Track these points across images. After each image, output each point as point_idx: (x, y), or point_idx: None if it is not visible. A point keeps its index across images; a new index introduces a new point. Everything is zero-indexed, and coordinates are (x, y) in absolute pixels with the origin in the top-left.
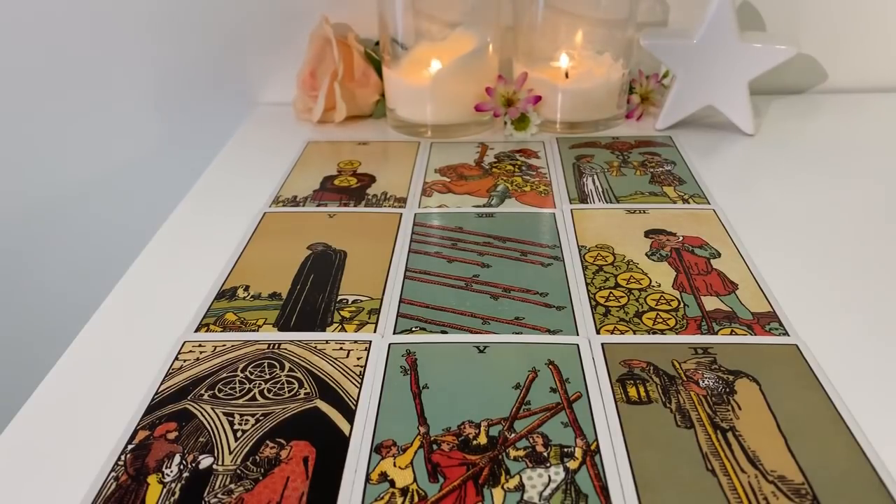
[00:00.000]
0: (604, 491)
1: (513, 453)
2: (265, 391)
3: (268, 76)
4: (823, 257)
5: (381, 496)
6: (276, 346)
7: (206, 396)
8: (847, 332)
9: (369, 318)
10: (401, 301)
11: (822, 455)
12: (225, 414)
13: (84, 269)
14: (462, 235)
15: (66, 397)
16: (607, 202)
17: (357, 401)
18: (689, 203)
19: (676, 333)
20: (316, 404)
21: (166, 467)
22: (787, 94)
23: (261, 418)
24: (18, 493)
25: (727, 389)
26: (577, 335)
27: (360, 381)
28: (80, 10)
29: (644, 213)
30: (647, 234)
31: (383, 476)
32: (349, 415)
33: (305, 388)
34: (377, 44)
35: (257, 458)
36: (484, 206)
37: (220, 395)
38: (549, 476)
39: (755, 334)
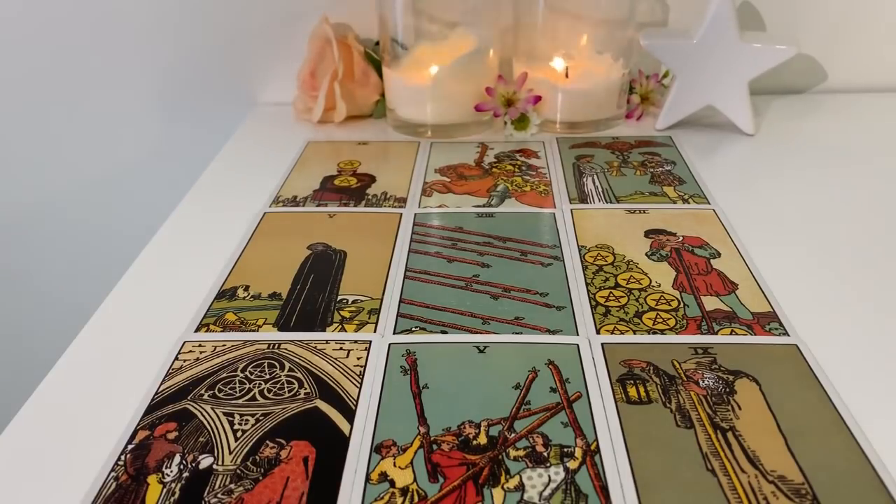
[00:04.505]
0: (604, 491)
1: (513, 453)
2: (265, 391)
3: (268, 76)
4: (823, 257)
5: (381, 496)
6: (276, 346)
7: (206, 396)
8: (847, 332)
9: (369, 318)
10: (401, 301)
11: (822, 455)
12: (225, 414)
13: (84, 270)
14: (462, 235)
15: (66, 397)
16: (607, 202)
17: (357, 401)
18: (689, 203)
19: (676, 333)
20: (316, 404)
21: (166, 467)
22: (787, 94)
23: (261, 418)
24: (18, 493)
25: (727, 389)
26: (577, 335)
27: (360, 381)
28: (80, 11)
29: (644, 213)
30: (647, 234)
31: (383, 476)
32: (349, 415)
33: (305, 388)
34: (377, 44)
35: (257, 458)
36: (484, 206)
37: (220, 395)
38: (549, 476)
39: (755, 334)
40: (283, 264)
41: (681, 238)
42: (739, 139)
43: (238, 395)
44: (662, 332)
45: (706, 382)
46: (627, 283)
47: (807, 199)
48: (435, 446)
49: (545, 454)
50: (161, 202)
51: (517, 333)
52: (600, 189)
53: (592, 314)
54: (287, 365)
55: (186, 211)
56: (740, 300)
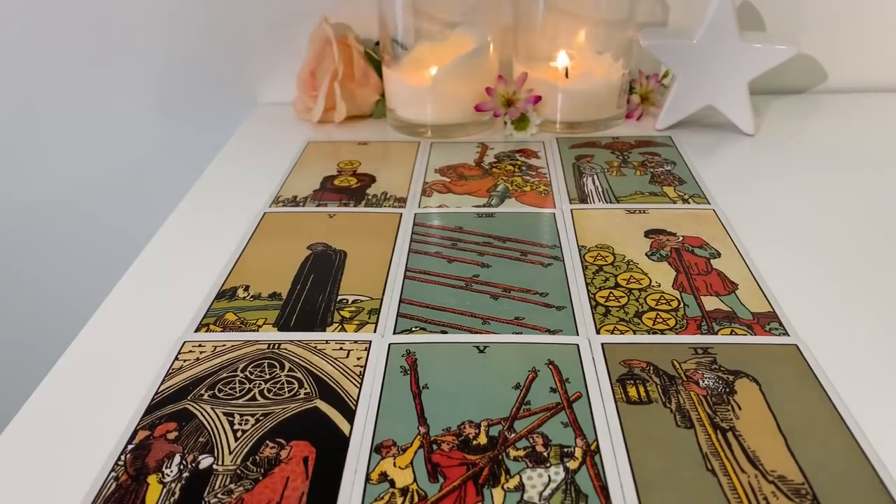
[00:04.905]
0: (604, 491)
1: (513, 453)
2: (265, 391)
3: (268, 76)
4: (823, 257)
5: (381, 496)
6: (276, 346)
7: (206, 396)
8: (847, 332)
9: (369, 318)
10: (401, 301)
11: (822, 455)
12: (225, 414)
13: (84, 269)
14: (462, 235)
15: (66, 397)
16: (607, 202)
17: (357, 401)
18: (689, 203)
19: (676, 333)
20: (316, 404)
21: (166, 467)
22: (787, 94)
23: (261, 418)
24: (18, 493)
25: (727, 389)
26: (577, 335)
27: (360, 381)
28: (80, 10)
29: (644, 213)
30: (647, 234)
31: (383, 476)
32: (349, 415)
33: (305, 388)
34: (377, 44)
35: (257, 458)
36: (484, 206)
37: (220, 395)
38: (549, 476)
39: (755, 334)
40: (283, 264)
41: (681, 238)
42: (739, 139)
43: (238, 395)
44: (662, 332)
45: (706, 382)
46: (627, 283)
47: (807, 198)
48: (435, 446)
49: (545, 454)
50: (161, 202)
51: (517, 333)
52: (600, 189)
53: (592, 314)
54: (287, 365)
55: (186, 211)
56: (740, 300)
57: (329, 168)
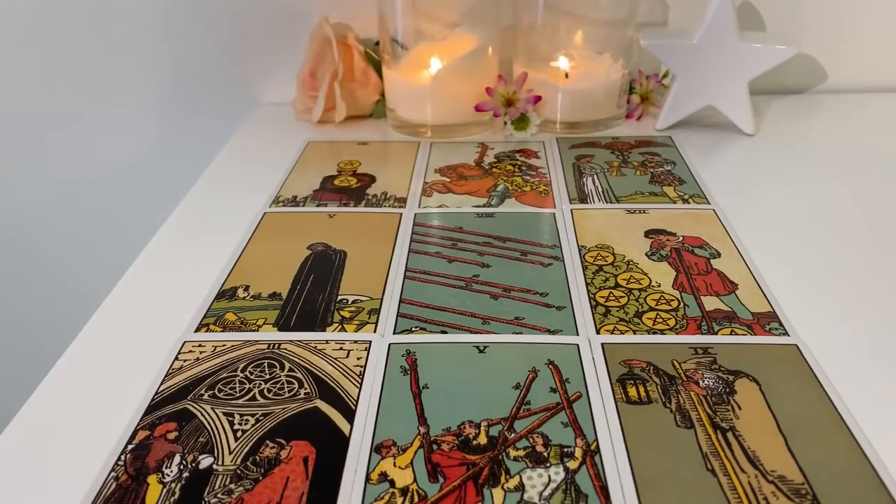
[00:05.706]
0: (604, 491)
1: (513, 453)
2: (265, 391)
3: (268, 76)
4: (823, 257)
5: (381, 496)
6: (276, 346)
7: (206, 396)
8: (847, 332)
9: (369, 318)
10: (401, 301)
11: (822, 455)
12: (225, 414)
13: (84, 269)
14: (462, 235)
15: (66, 397)
16: (607, 202)
17: (357, 401)
18: (689, 203)
19: (676, 333)
20: (316, 404)
21: (166, 467)
22: (787, 94)
23: (261, 418)
24: (18, 493)
25: (727, 389)
26: (577, 335)
27: (360, 381)
28: (80, 10)
29: (644, 213)
30: (647, 234)
31: (383, 476)
32: (349, 415)
33: (305, 388)
34: (377, 44)
35: (257, 458)
36: (484, 206)
37: (220, 395)
38: (549, 476)
39: (755, 334)
40: (283, 264)
41: (681, 238)
42: (739, 139)
43: (238, 395)
44: (662, 332)
45: (706, 382)
46: (627, 283)
47: (807, 199)
48: (435, 446)
49: (545, 454)
50: (161, 202)
51: (517, 333)
52: (600, 189)
53: (592, 314)
54: (287, 365)
55: (186, 211)
56: (740, 300)
57: (329, 168)
